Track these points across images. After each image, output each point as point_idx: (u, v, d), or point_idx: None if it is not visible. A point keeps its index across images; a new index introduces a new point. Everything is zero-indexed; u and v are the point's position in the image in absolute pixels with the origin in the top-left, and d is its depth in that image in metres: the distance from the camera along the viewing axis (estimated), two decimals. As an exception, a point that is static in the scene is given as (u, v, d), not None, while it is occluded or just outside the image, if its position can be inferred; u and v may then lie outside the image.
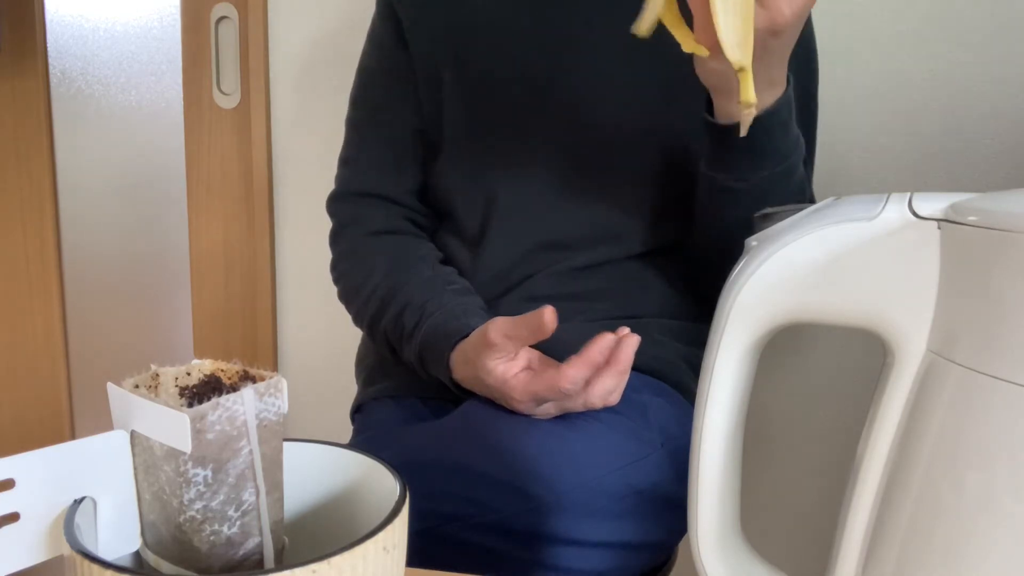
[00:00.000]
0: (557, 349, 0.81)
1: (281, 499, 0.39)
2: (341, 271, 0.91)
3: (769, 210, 0.41)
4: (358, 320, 0.89)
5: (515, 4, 0.86)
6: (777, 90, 0.68)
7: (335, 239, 0.93)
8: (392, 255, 0.86)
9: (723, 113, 0.69)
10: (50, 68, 1.45)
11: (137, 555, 0.38)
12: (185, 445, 0.34)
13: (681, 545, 0.84)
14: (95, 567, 0.32)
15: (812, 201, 0.82)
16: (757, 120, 0.67)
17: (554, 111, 0.84)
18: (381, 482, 0.41)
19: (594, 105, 0.84)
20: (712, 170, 0.74)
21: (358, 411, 0.90)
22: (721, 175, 0.73)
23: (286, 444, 0.39)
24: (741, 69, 0.55)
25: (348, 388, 0.95)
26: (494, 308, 0.84)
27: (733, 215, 0.74)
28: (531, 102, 0.84)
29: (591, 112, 0.84)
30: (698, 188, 0.78)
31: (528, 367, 0.71)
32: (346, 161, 0.94)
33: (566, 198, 0.85)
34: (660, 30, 0.60)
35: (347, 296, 0.90)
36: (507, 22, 0.86)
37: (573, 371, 0.65)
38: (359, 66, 0.95)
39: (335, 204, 0.94)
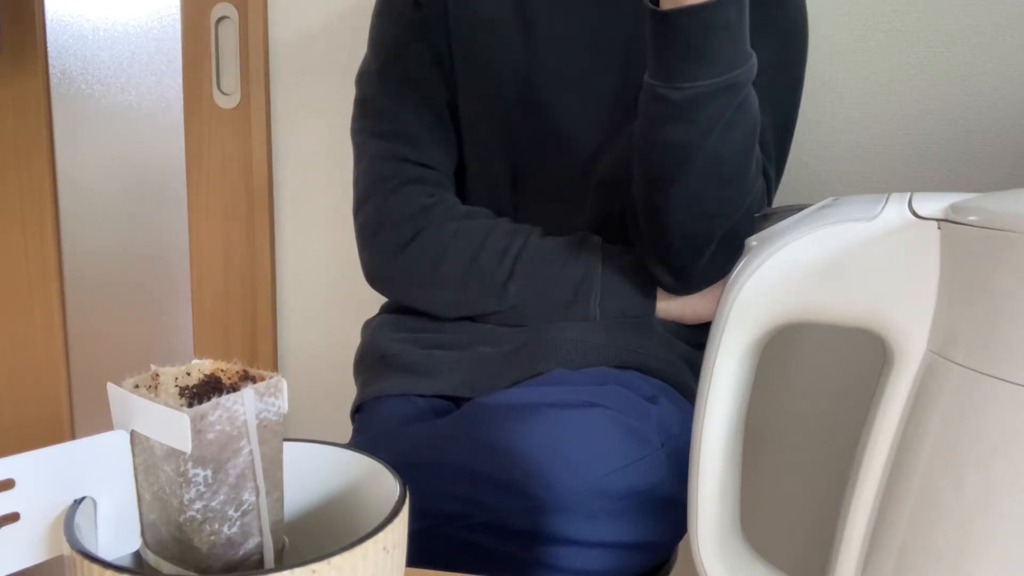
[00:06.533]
0: (565, 346, 0.81)
1: (281, 499, 0.39)
2: (441, 248, 0.85)
3: (769, 210, 0.41)
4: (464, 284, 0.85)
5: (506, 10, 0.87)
6: None
7: (416, 218, 0.86)
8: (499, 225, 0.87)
9: None
10: (50, 68, 1.45)
11: (137, 555, 0.38)
12: (185, 445, 0.34)
13: (681, 545, 0.84)
14: (95, 567, 0.32)
15: (768, 177, 0.82)
16: (696, 14, 0.65)
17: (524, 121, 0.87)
18: (381, 482, 0.41)
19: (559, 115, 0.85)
20: (650, 76, 0.71)
21: (358, 411, 0.90)
22: (657, 81, 0.70)
23: (286, 444, 0.39)
24: None
25: (348, 388, 0.95)
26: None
27: (667, 134, 0.71)
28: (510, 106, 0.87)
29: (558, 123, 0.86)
30: (639, 105, 0.74)
31: None
32: (392, 134, 0.89)
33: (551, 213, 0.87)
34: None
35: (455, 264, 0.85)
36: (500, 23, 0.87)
37: None
38: (376, 42, 0.92)
39: (400, 186, 0.87)
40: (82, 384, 1.56)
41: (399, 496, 0.38)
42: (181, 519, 0.35)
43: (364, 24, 0.95)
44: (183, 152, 1.40)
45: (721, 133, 0.69)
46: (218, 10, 1.33)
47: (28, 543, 0.35)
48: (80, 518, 0.35)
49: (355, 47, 1.26)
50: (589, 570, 0.68)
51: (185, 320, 1.47)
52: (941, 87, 1.05)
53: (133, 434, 0.36)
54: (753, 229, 0.41)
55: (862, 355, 1.13)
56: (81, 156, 1.48)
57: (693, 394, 0.81)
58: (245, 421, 0.36)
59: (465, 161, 0.91)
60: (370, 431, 0.83)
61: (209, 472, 0.35)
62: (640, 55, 0.73)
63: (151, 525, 0.37)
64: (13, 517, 0.34)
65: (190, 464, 0.34)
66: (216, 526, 0.36)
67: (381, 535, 0.35)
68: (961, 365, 0.32)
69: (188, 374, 0.37)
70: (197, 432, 0.34)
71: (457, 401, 0.84)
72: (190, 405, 0.35)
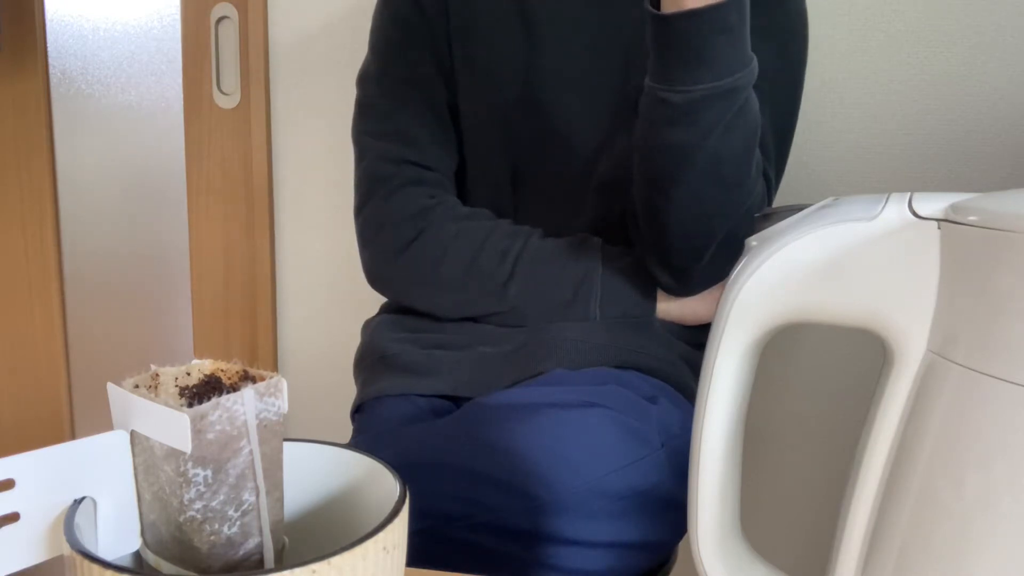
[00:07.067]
0: (565, 346, 0.81)
1: (281, 499, 0.39)
2: (442, 247, 0.86)
3: (769, 210, 0.41)
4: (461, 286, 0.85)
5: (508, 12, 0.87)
6: None
7: (416, 219, 0.86)
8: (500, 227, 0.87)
9: (668, 1, 0.67)
10: (50, 68, 1.45)
11: (137, 555, 0.38)
12: (185, 445, 0.34)
13: (681, 545, 0.84)
14: (95, 567, 0.32)
15: (768, 179, 0.82)
16: (696, 17, 0.65)
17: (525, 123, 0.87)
18: (381, 482, 0.41)
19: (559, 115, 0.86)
20: (651, 79, 0.71)
21: (358, 411, 0.90)
22: (657, 84, 0.70)
23: (286, 444, 0.39)
24: None
25: (348, 388, 0.95)
26: None
27: (668, 137, 0.71)
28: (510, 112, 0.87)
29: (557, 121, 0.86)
30: (639, 107, 0.74)
31: None
32: (393, 136, 0.89)
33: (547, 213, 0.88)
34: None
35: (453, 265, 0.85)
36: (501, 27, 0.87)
37: None
38: (377, 43, 0.92)
39: (400, 187, 0.88)
40: (82, 384, 1.56)
41: (399, 496, 0.38)
42: (181, 519, 0.35)
43: (364, 24, 0.95)
44: (183, 152, 1.40)
45: (721, 135, 0.69)
46: (218, 10, 1.33)
47: (28, 543, 0.35)
48: (80, 518, 0.35)
49: (355, 47, 1.26)
50: (589, 570, 0.68)
51: (185, 320, 1.47)
52: (941, 87, 1.05)
53: (133, 434, 0.36)
54: (753, 230, 0.41)
55: (862, 355, 1.13)
56: (81, 156, 1.48)
57: (693, 394, 0.81)
58: (245, 421, 0.36)
59: (465, 162, 0.92)
60: (370, 431, 0.83)
61: (209, 472, 0.35)
62: (640, 56, 0.73)
63: (151, 525, 0.37)
64: (13, 517, 0.34)
65: (190, 464, 0.34)
66: (216, 526, 0.36)
67: (381, 535, 0.35)
68: (961, 365, 0.32)
69: (188, 374, 0.37)
70: (197, 432, 0.34)
71: (457, 401, 0.84)
72: (190, 405, 0.35)
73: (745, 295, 0.38)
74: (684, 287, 0.82)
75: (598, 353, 0.81)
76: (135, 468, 0.37)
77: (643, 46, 0.70)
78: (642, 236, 0.80)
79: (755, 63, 0.70)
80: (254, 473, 0.37)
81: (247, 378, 0.37)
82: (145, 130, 1.44)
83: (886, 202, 0.36)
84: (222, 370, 0.38)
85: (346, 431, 0.91)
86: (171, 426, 0.34)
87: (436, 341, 0.87)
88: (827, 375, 1.15)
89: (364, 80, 0.92)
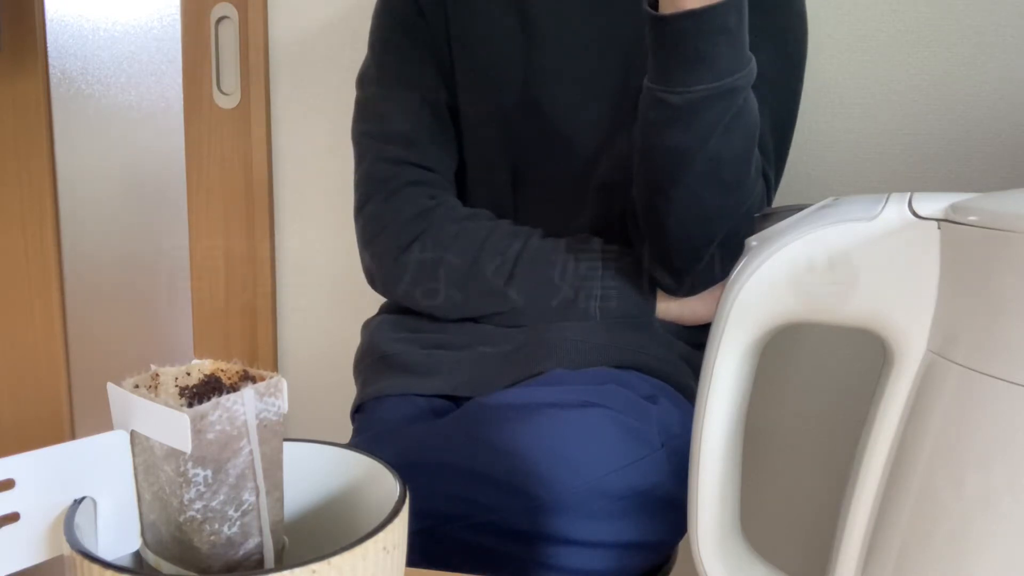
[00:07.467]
0: (564, 346, 0.81)
1: (281, 499, 0.39)
2: (442, 248, 0.86)
3: (769, 210, 0.41)
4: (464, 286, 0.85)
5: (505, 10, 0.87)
6: None
7: (416, 220, 0.86)
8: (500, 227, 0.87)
9: (667, 1, 0.67)
10: (50, 68, 1.45)
11: (137, 555, 0.38)
12: (185, 445, 0.34)
13: (681, 545, 0.84)
14: (95, 567, 0.32)
15: (767, 179, 0.82)
16: (695, 18, 0.65)
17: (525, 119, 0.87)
18: (381, 482, 0.41)
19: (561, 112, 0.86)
20: (650, 80, 0.71)
21: (358, 411, 0.90)
22: (657, 85, 0.70)
23: (286, 444, 0.39)
24: None
25: (348, 388, 0.95)
26: None
27: (667, 138, 0.71)
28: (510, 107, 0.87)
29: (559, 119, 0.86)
30: (639, 108, 0.74)
31: None
32: (392, 137, 0.89)
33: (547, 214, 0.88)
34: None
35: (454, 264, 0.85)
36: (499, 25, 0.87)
37: None
38: (376, 44, 0.92)
39: (401, 188, 0.87)
40: (82, 384, 1.56)
41: (399, 496, 0.38)
42: (181, 519, 0.35)
43: (364, 24, 0.95)
44: (183, 152, 1.40)
45: (720, 137, 0.69)
46: (218, 10, 1.33)
47: (28, 543, 0.35)
48: (80, 518, 0.35)
49: (355, 47, 1.26)
50: (589, 570, 0.68)
51: (185, 320, 1.47)
52: (941, 87, 1.05)
53: (133, 434, 0.36)
54: (753, 230, 0.41)
55: (862, 355, 1.13)
56: (81, 156, 1.48)
57: (693, 394, 0.81)
58: (245, 421, 0.36)
59: (465, 162, 0.92)
60: (370, 431, 0.83)
61: (209, 472, 0.35)
62: (640, 56, 0.73)
63: (151, 525, 0.37)
64: (13, 517, 0.34)
65: (190, 464, 0.34)
66: (216, 526, 0.36)
67: (381, 535, 0.35)
68: (961, 365, 0.32)
69: (188, 374, 0.37)
70: (197, 432, 0.34)
71: (457, 401, 0.84)
72: (190, 405, 0.35)
73: (745, 295, 0.38)
74: (684, 287, 0.82)
75: (598, 353, 0.81)
76: (135, 468, 0.37)
77: (643, 46, 0.70)
78: (642, 236, 0.80)
79: (754, 63, 0.70)
80: (254, 473, 0.37)
81: (247, 378, 0.37)
82: (145, 130, 1.44)
83: (886, 202, 0.36)
84: (222, 370, 0.38)
85: (346, 431, 0.91)
86: (171, 426, 0.34)
87: (436, 341, 0.87)
88: (827, 375, 1.15)
89: (364, 80, 0.92)
